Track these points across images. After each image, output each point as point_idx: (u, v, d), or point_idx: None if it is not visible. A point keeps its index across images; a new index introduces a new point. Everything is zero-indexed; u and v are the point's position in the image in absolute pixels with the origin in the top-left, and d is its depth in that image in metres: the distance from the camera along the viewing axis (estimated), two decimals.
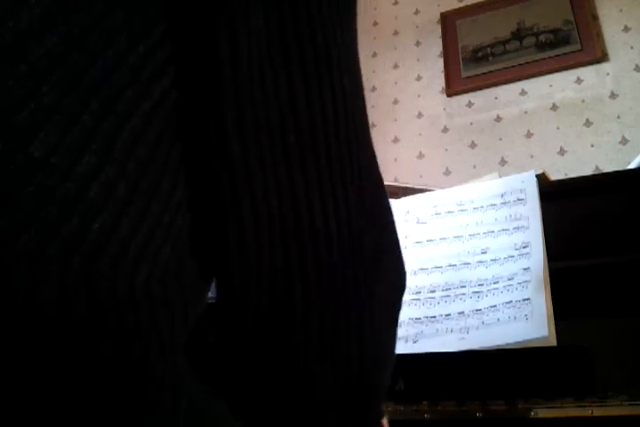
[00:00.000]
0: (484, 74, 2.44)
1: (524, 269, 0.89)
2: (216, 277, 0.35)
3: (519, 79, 2.38)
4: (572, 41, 2.33)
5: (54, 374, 0.25)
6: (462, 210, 1.02)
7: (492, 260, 0.93)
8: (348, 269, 0.36)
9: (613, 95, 2.21)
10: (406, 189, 1.25)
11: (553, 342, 0.79)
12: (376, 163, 0.41)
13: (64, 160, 0.25)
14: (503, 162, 2.29)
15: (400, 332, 0.92)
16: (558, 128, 2.25)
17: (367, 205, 0.38)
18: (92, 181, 0.26)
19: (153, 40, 0.29)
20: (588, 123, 2.21)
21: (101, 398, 0.26)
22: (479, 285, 0.91)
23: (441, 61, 2.56)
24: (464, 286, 0.92)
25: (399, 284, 0.42)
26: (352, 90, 0.37)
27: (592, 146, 2.17)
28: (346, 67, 0.37)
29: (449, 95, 2.49)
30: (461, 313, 0.89)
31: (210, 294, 0.37)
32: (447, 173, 2.36)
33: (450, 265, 0.96)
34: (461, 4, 2.64)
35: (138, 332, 0.27)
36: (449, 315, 0.90)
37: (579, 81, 2.29)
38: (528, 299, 0.85)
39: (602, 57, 2.27)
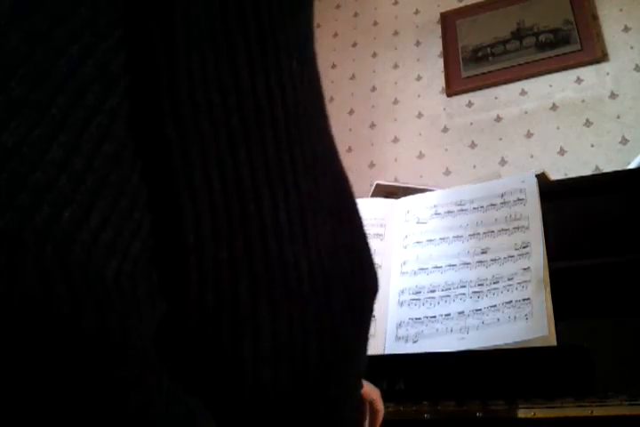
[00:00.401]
0: (484, 74, 2.44)
1: (524, 269, 0.89)
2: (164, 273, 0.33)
3: (519, 79, 2.38)
4: (571, 41, 2.33)
5: (29, 358, 0.25)
6: (462, 210, 1.02)
7: (491, 260, 0.93)
8: (300, 264, 0.35)
9: (613, 95, 2.21)
10: (406, 189, 1.25)
11: (553, 341, 0.79)
12: (337, 158, 0.39)
13: (33, 150, 0.26)
14: (503, 162, 2.29)
15: (400, 332, 0.92)
16: (558, 128, 2.25)
17: (323, 197, 0.37)
18: (60, 172, 0.26)
19: (117, 36, 0.30)
20: (588, 123, 2.21)
21: (75, 390, 0.26)
22: (479, 285, 0.91)
23: (441, 61, 2.56)
24: (464, 286, 0.92)
25: (364, 285, 0.40)
26: (303, 76, 0.36)
27: (592, 146, 2.17)
28: (296, 52, 0.36)
29: (449, 95, 2.49)
30: (461, 313, 0.89)
31: None
32: (447, 173, 2.36)
33: (450, 265, 0.96)
34: (461, 4, 2.64)
35: (110, 322, 0.27)
36: (449, 315, 0.90)
37: (579, 81, 2.29)
38: (528, 299, 0.85)
39: (602, 57, 2.27)
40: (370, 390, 0.66)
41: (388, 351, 0.91)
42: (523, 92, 2.37)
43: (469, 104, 2.45)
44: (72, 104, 0.27)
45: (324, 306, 0.36)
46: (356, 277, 0.39)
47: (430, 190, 1.13)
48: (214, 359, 0.33)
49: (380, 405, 0.68)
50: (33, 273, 0.25)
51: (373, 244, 1.04)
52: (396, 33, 2.75)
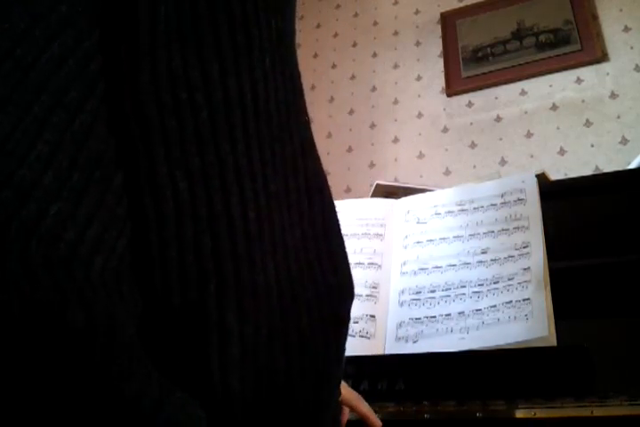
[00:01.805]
0: (484, 74, 2.44)
1: (524, 269, 0.89)
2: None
3: (519, 79, 2.38)
4: (572, 41, 2.33)
5: (16, 355, 0.25)
6: (462, 210, 1.02)
7: (491, 260, 0.93)
8: (268, 267, 0.34)
9: (613, 95, 2.21)
10: (406, 189, 1.25)
11: (553, 342, 0.79)
12: (313, 156, 0.38)
13: (19, 147, 0.26)
14: (503, 162, 2.29)
15: (400, 332, 0.92)
16: (558, 128, 2.25)
17: (294, 198, 0.36)
18: (45, 168, 0.26)
19: (97, 35, 0.30)
20: (588, 123, 2.21)
21: (68, 384, 0.26)
22: (479, 285, 0.91)
23: (441, 61, 2.56)
24: (464, 286, 0.92)
25: (338, 290, 0.39)
26: (277, 73, 0.36)
27: (592, 146, 2.17)
28: (270, 49, 0.35)
29: (449, 95, 2.49)
30: (461, 313, 0.89)
31: None
32: (447, 173, 2.36)
33: (450, 265, 0.96)
34: (461, 4, 2.64)
35: (96, 316, 0.27)
36: (449, 315, 0.90)
37: (579, 81, 2.29)
38: (528, 299, 0.85)
39: (602, 57, 2.27)
40: (351, 397, 0.66)
41: (388, 351, 0.91)
42: (523, 92, 2.37)
43: (469, 104, 2.45)
44: (55, 102, 0.27)
45: (291, 311, 0.35)
46: (328, 282, 0.38)
47: (430, 190, 1.13)
48: (183, 365, 0.32)
49: (363, 409, 0.67)
50: (17, 268, 0.25)
51: (373, 244, 1.04)
52: (396, 33, 2.75)
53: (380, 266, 1.02)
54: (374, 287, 1.00)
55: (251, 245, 0.33)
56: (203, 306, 0.32)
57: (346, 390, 0.66)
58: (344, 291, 0.40)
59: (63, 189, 0.27)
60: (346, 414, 0.65)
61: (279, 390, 0.35)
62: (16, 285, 0.25)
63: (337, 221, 0.41)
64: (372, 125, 2.61)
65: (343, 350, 0.41)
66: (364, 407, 0.68)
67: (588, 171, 2.05)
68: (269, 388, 0.34)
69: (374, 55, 2.75)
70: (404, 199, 1.10)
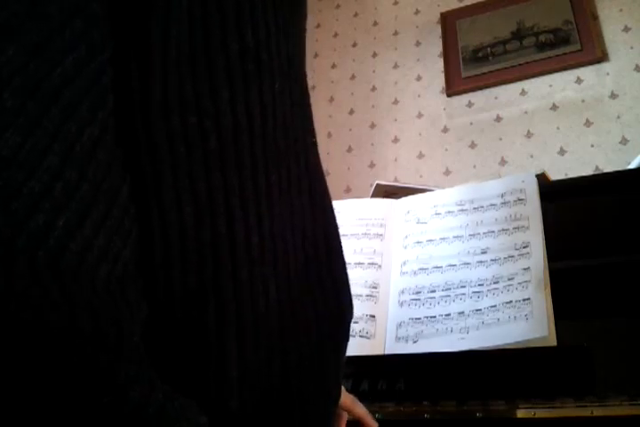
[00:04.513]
0: (484, 74, 2.44)
1: (524, 269, 0.89)
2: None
3: (519, 79, 2.38)
4: (572, 41, 2.33)
5: (20, 360, 0.26)
6: (462, 210, 1.02)
7: (491, 260, 0.93)
8: (269, 291, 0.34)
9: (613, 95, 2.21)
10: (406, 189, 1.25)
11: (553, 342, 0.79)
12: (319, 177, 0.39)
13: (29, 159, 0.26)
14: (503, 162, 2.29)
15: (400, 332, 0.92)
16: (558, 128, 2.25)
17: (298, 221, 0.36)
18: (55, 180, 0.27)
19: (109, 51, 0.30)
20: (588, 123, 2.21)
21: (74, 390, 0.27)
22: (479, 285, 0.91)
23: (441, 61, 2.56)
24: (464, 286, 0.92)
25: (338, 313, 0.39)
26: (286, 96, 0.36)
27: (592, 146, 2.17)
28: (281, 72, 0.36)
29: (449, 95, 2.49)
30: (461, 313, 0.89)
31: None
32: (447, 173, 2.36)
33: (450, 265, 0.96)
34: (461, 4, 2.64)
35: (103, 323, 0.27)
36: (449, 315, 0.90)
37: (579, 81, 2.29)
38: (528, 299, 0.85)
39: (602, 57, 2.27)
40: (346, 400, 0.66)
41: (388, 351, 0.91)
42: (523, 92, 2.37)
43: (469, 104, 2.45)
44: (66, 115, 0.27)
45: (291, 332, 0.36)
46: (328, 305, 0.39)
47: (430, 190, 1.13)
48: (183, 379, 0.32)
49: (359, 411, 0.68)
50: (25, 277, 0.25)
51: (373, 244, 1.04)
52: (396, 33, 2.75)
53: (379, 266, 1.02)
54: (374, 287, 1.00)
55: (253, 269, 0.33)
56: (203, 327, 0.32)
57: (342, 394, 0.66)
58: (344, 313, 0.41)
59: (72, 201, 0.27)
60: (344, 419, 0.66)
61: (278, 407, 0.35)
62: (25, 294, 0.25)
63: (339, 241, 0.41)
64: (372, 125, 2.61)
65: (341, 367, 0.41)
66: (360, 409, 0.69)
67: (588, 171, 2.05)
68: (268, 406, 0.35)
69: (374, 55, 2.75)
70: (403, 199, 1.10)
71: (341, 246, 0.41)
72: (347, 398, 0.67)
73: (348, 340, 0.42)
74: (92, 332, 0.27)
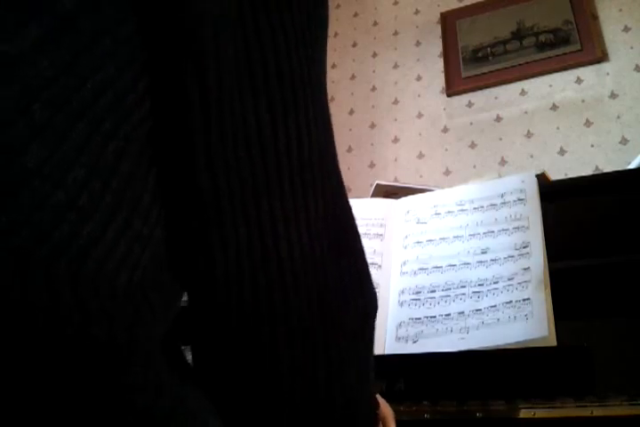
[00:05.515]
0: (484, 74, 2.44)
1: (524, 269, 0.89)
2: (189, 294, 0.37)
3: (519, 79, 2.38)
4: (572, 41, 2.33)
5: (35, 367, 0.27)
6: (462, 210, 1.02)
7: (491, 260, 0.93)
8: (312, 296, 0.38)
9: (613, 95, 2.21)
10: (406, 189, 1.25)
11: (553, 342, 0.79)
12: (342, 193, 0.42)
13: (55, 171, 0.27)
14: (503, 162, 2.29)
15: (400, 332, 0.92)
16: (558, 128, 2.25)
17: (333, 234, 0.40)
18: (81, 191, 0.28)
19: (137, 69, 0.31)
20: (588, 123, 2.21)
21: (84, 394, 0.28)
22: (479, 285, 0.91)
23: (441, 61, 2.56)
24: (464, 286, 0.92)
25: (366, 310, 0.43)
26: (317, 121, 0.38)
27: (592, 146, 2.17)
28: (313, 99, 0.38)
29: (449, 95, 2.49)
30: (461, 313, 0.89)
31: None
32: (447, 173, 2.37)
33: (450, 265, 0.96)
34: (461, 4, 2.64)
35: (117, 329, 0.28)
36: (449, 315, 0.90)
37: (579, 81, 2.29)
38: (528, 299, 0.85)
39: (602, 57, 2.27)
40: (387, 414, 0.67)
41: (388, 351, 0.91)
42: (523, 92, 2.37)
43: (469, 104, 2.45)
44: (92, 129, 0.29)
45: (331, 334, 0.39)
46: (357, 302, 0.42)
47: (430, 190, 1.13)
48: (233, 387, 0.37)
49: None
50: (42, 285, 0.26)
51: (373, 244, 1.04)
52: (396, 33, 2.75)
53: (379, 266, 1.02)
54: (374, 287, 1.00)
55: (298, 280, 0.37)
56: (258, 340, 0.36)
57: (385, 407, 0.67)
58: (372, 307, 0.44)
59: (96, 211, 0.28)
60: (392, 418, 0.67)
61: (319, 405, 0.39)
62: (39, 300, 0.26)
63: (361, 245, 0.44)
64: (372, 125, 2.61)
65: (371, 361, 0.45)
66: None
67: (588, 171, 2.05)
68: (317, 398, 0.39)
69: (374, 55, 2.75)
70: (403, 199, 1.10)
71: (363, 249, 0.45)
72: (387, 411, 0.68)
73: (373, 332, 0.45)
74: (106, 339, 0.28)
